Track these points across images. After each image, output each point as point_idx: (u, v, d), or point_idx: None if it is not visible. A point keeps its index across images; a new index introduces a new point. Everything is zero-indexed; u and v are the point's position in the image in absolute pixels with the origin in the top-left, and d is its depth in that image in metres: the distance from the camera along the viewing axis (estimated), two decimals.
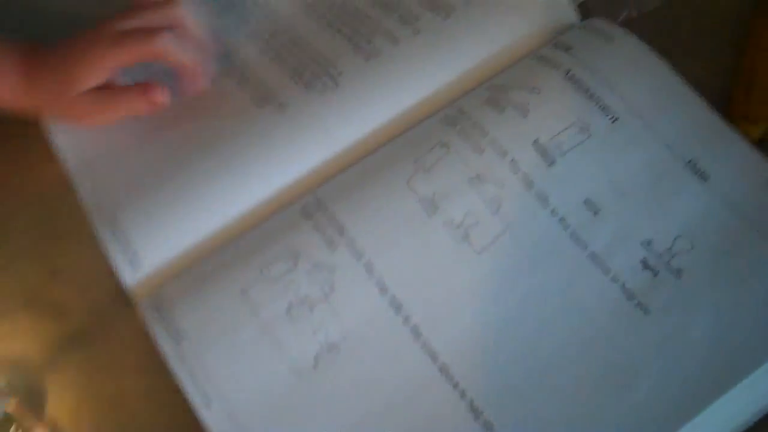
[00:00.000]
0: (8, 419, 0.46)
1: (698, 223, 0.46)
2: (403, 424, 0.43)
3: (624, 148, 0.48)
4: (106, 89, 0.49)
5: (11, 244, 0.53)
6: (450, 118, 0.50)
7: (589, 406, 0.42)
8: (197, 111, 0.54)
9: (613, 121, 0.48)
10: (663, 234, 0.46)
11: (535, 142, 0.49)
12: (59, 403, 0.48)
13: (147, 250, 0.49)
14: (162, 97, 0.49)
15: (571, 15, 0.55)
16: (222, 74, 0.55)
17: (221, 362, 0.45)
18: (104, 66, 0.48)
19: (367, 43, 0.54)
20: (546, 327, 0.44)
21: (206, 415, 0.44)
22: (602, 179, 0.47)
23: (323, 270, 0.46)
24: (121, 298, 0.49)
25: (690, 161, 0.47)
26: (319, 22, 0.57)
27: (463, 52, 0.53)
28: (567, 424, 0.42)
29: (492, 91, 0.51)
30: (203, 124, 0.53)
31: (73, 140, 0.53)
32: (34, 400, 0.48)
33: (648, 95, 0.49)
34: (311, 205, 0.49)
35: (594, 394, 0.43)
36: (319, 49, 0.55)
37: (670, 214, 0.46)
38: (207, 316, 0.46)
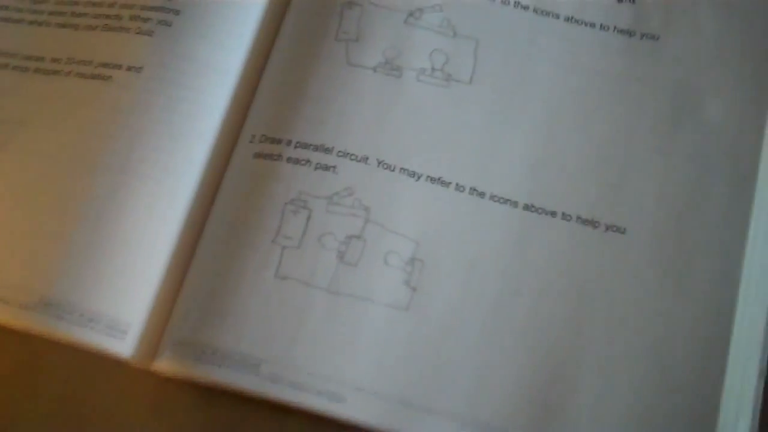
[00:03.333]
0: None
1: None
2: (540, 284, 0.38)
3: None
4: None
5: None
6: None
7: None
8: None
9: None
10: None
11: None
12: None
13: (119, 307, 0.38)
14: None
15: None
16: None
17: (318, 356, 0.36)
18: None
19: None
20: (581, 98, 0.41)
21: (344, 409, 0.35)
22: None
23: (343, 197, 0.38)
24: None
25: None
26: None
27: None
28: None
29: None
30: None
31: None
32: None
33: None
34: (261, 143, 0.40)
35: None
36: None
37: None
38: (264, 326, 0.36)
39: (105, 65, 0.42)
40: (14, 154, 0.40)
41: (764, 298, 0.36)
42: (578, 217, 0.38)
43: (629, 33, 0.41)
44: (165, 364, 0.37)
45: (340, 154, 0.38)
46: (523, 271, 0.37)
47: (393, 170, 0.38)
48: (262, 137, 0.39)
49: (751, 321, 0.36)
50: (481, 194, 0.38)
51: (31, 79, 0.42)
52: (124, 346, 0.37)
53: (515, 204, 0.38)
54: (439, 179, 0.38)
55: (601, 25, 0.41)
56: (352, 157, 0.38)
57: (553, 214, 0.38)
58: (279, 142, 0.39)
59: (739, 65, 0.40)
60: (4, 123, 0.41)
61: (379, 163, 0.38)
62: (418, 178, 0.38)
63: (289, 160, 0.39)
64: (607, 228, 0.38)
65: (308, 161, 0.38)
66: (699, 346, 0.36)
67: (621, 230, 0.38)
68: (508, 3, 0.42)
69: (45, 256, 0.39)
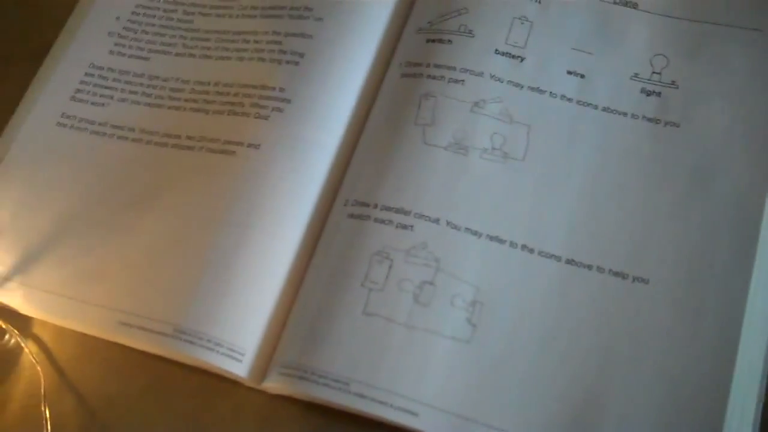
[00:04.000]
0: None
1: (658, 39, 0.52)
2: (577, 324, 0.45)
3: (561, 14, 0.53)
4: None
5: None
6: (411, 74, 0.52)
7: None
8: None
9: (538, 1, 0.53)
10: (639, 61, 0.51)
11: (496, 51, 0.52)
12: None
13: (238, 335, 0.46)
14: None
15: None
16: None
17: (396, 378, 0.44)
18: None
19: (281, 53, 0.54)
20: (614, 173, 0.49)
21: (417, 423, 0.43)
22: (565, 49, 0.52)
23: (418, 250, 0.47)
24: None
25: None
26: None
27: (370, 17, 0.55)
28: None
29: (422, 32, 0.54)
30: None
31: None
32: None
33: None
34: (353, 206, 0.49)
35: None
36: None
37: (628, 44, 0.52)
38: (353, 352, 0.45)
39: (230, 143, 0.52)
40: (158, 212, 0.50)
41: (763, 337, 0.44)
42: (610, 270, 0.46)
43: (655, 121, 0.50)
44: (273, 383, 0.45)
45: (417, 215, 0.47)
46: (564, 314, 0.45)
47: (459, 229, 0.47)
48: (354, 201, 0.49)
49: (751, 356, 0.43)
50: (531, 250, 0.47)
51: (170, 152, 0.52)
52: (241, 367, 0.46)
53: (558, 258, 0.47)
54: (496, 237, 0.47)
55: (631, 115, 0.50)
56: (426, 219, 0.47)
57: (590, 267, 0.46)
58: (368, 205, 0.48)
59: (744, 149, 0.47)
60: (149, 188, 0.51)
61: (448, 223, 0.47)
62: (480, 236, 0.47)
63: (375, 220, 0.48)
64: (634, 279, 0.46)
65: (391, 221, 0.47)
66: (707, 376, 0.43)
67: (645, 281, 0.46)
68: (556, 96, 0.51)
69: (179, 293, 0.48)
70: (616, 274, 0.46)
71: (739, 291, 0.44)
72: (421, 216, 0.47)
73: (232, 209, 0.49)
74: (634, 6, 0.52)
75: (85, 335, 0.49)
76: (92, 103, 0.55)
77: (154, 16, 0.58)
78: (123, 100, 0.55)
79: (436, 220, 0.47)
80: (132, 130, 0.53)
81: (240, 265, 0.47)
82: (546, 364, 0.44)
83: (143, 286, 0.48)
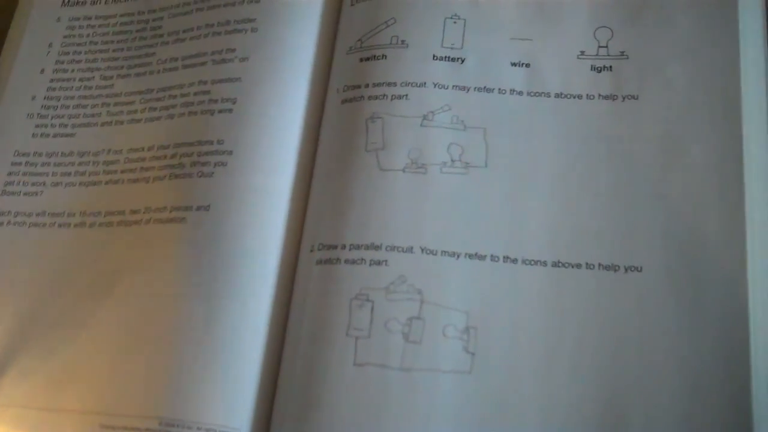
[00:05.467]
0: None
1: (598, 11, 0.49)
2: (579, 326, 0.42)
3: (492, 4, 0.49)
4: None
5: None
6: (351, 98, 0.48)
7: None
8: None
9: None
10: (583, 37, 0.48)
11: (434, 57, 0.48)
12: None
13: (228, 415, 0.43)
14: None
15: None
16: None
17: (403, 428, 0.41)
18: None
19: (212, 102, 0.50)
20: (583, 162, 0.46)
21: None
22: (504, 40, 0.48)
23: (398, 285, 0.43)
24: None
25: None
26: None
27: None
28: None
29: (353, 52, 0.50)
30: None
31: None
32: None
33: None
34: (320, 251, 0.45)
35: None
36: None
37: (567, 22, 0.49)
38: (352, 409, 0.41)
39: (177, 209, 0.47)
40: (118, 298, 0.46)
41: None
42: (600, 265, 0.43)
43: (612, 97, 0.46)
44: None
45: (388, 248, 0.44)
46: (563, 319, 0.42)
47: (435, 254, 0.44)
48: (321, 245, 0.45)
49: (765, 324, 0.40)
50: (514, 260, 0.43)
51: (116, 231, 0.48)
52: None
53: (544, 263, 0.43)
54: (475, 254, 0.44)
55: (587, 96, 0.47)
56: (399, 249, 0.44)
57: (578, 266, 0.43)
58: (335, 247, 0.44)
59: (710, 108, 0.44)
60: (102, 274, 0.47)
61: (423, 249, 0.44)
62: (458, 256, 0.44)
63: (346, 261, 0.44)
64: (626, 269, 0.42)
65: (363, 260, 0.44)
66: (723, 354, 0.40)
67: (638, 269, 0.42)
68: (505, 92, 0.47)
69: (157, 382, 0.44)
70: (607, 267, 0.42)
71: (737, 259, 0.41)
72: (393, 248, 0.43)
73: (194, 281, 0.45)
74: None
75: None
76: (25, 194, 0.51)
77: (71, 88, 0.53)
78: (56, 184, 0.50)
79: (410, 249, 0.43)
80: (72, 215, 0.49)
81: (214, 339, 0.44)
82: (556, 375, 0.41)
83: (118, 381, 0.44)
